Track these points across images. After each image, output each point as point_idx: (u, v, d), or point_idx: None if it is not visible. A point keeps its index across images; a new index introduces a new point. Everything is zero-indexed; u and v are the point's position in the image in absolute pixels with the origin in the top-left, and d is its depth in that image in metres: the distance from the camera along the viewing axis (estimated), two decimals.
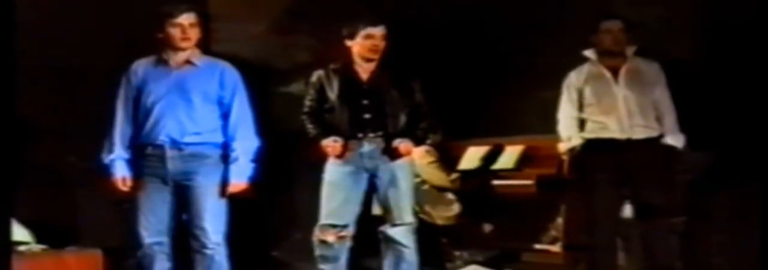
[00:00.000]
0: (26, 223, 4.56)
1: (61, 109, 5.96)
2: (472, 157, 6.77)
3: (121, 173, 4.37)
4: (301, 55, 6.66)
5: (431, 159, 6.19)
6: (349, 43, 4.89)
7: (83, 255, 4.55)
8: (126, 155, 4.38)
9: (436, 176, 6.24)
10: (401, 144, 4.80)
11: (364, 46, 4.84)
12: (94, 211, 5.90)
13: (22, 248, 4.44)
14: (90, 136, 4.63)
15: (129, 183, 4.38)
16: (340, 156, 4.82)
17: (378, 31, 4.84)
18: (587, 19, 5.05)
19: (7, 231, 3.45)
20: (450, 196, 6.29)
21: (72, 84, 5.95)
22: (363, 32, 4.83)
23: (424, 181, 6.19)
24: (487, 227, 6.59)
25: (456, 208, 6.28)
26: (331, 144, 4.81)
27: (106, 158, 4.39)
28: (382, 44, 4.85)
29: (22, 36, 3.62)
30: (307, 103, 4.98)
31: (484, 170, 6.60)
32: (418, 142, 4.94)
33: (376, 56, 4.86)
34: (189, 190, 4.35)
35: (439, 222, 6.22)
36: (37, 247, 4.55)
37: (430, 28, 6.71)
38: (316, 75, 4.97)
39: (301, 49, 6.66)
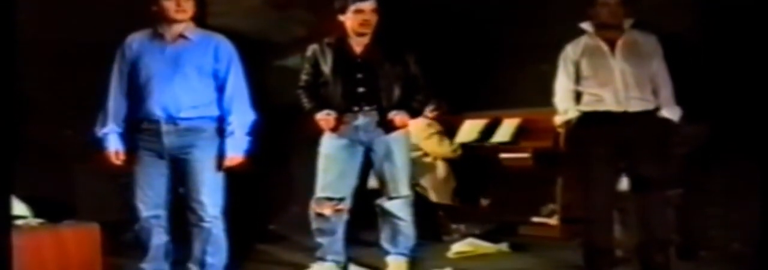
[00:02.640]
0: (23, 198, 4.56)
1: (58, 83, 5.95)
2: (469, 130, 6.79)
3: (114, 147, 4.37)
4: (297, 29, 6.64)
5: (432, 131, 6.20)
6: (341, 17, 4.88)
7: (81, 229, 4.54)
8: (119, 129, 4.38)
9: (437, 148, 6.26)
10: (396, 116, 4.81)
11: (355, 20, 4.83)
12: (91, 185, 5.91)
13: (19, 222, 4.43)
14: (87, 111, 4.62)
15: (122, 157, 4.38)
16: (333, 129, 4.84)
17: (367, 5, 4.82)
18: None
19: (6, 206, 3.45)
20: (447, 173, 6.30)
21: (69, 58, 5.93)
22: (353, 7, 4.82)
23: (426, 154, 6.21)
24: (485, 201, 6.62)
25: (452, 186, 6.29)
26: (325, 117, 4.82)
27: (100, 132, 4.39)
28: (373, 18, 4.84)
29: (20, 11, 3.60)
30: (303, 77, 4.99)
31: (480, 143, 6.62)
32: (413, 114, 4.94)
33: (367, 30, 4.85)
34: (185, 164, 4.35)
35: (435, 199, 6.24)
36: (35, 221, 4.54)
37: (426, 0, 6.70)
38: (311, 49, 4.97)
39: (297, 22, 6.64)
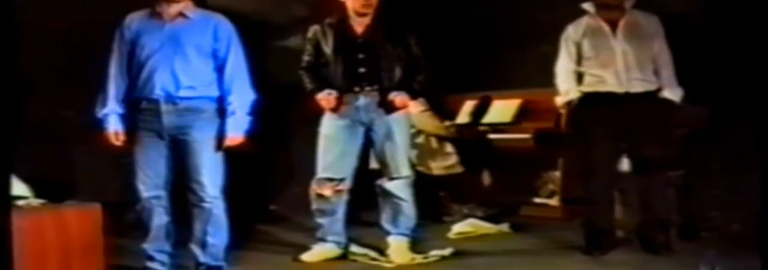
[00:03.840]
0: (25, 178, 4.55)
1: (59, 64, 5.94)
2: (470, 110, 6.78)
3: (114, 127, 4.36)
4: (298, 9, 6.62)
5: (422, 108, 6.17)
6: None
7: (82, 209, 4.52)
8: (120, 110, 4.36)
9: (430, 124, 6.25)
10: (397, 97, 4.80)
11: (356, 0, 4.81)
12: (92, 166, 5.92)
13: (20, 203, 4.42)
14: (88, 91, 4.61)
15: (122, 137, 4.37)
16: (334, 109, 4.83)
17: None
18: None
19: (7, 186, 3.45)
20: (448, 148, 6.30)
21: (69, 39, 5.92)
22: None
23: (419, 132, 6.19)
24: (486, 179, 6.61)
25: (453, 159, 6.29)
26: (326, 97, 4.82)
27: (100, 113, 4.38)
28: None
29: None
30: (304, 58, 4.98)
31: (480, 123, 6.62)
32: (414, 95, 4.93)
33: (368, 10, 4.83)
34: (185, 145, 4.34)
35: (437, 172, 6.24)
36: (36, 202, 4.53)
37: None
38: (312, 30, 4.96)
39: (298, 3, 6.62)
